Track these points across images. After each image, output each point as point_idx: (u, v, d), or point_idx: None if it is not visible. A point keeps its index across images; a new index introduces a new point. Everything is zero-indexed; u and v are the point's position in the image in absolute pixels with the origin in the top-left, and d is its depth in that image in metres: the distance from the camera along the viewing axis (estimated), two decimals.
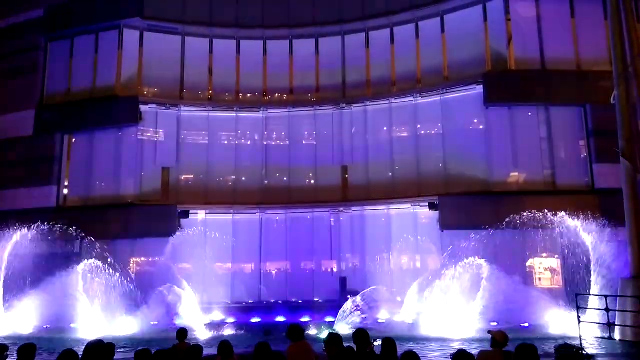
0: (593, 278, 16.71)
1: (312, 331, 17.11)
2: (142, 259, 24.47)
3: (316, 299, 23.69)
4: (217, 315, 21.83)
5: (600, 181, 20.60)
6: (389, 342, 6.24)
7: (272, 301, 23.71)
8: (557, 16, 22.59)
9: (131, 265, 23.69)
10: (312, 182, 26.10)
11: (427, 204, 22.94)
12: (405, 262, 24.02)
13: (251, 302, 23.91)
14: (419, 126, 24.78)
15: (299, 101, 26.63)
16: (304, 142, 26.56)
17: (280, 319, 21.01)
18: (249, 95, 27.14)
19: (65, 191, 25.23)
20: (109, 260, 20.24)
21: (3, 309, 20.29)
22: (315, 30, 26.66)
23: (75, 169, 25.49)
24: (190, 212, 24.51)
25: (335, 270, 24.81)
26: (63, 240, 22.09)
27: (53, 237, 21.47)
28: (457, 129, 23.70)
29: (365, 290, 20.55)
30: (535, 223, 18.40)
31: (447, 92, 23.91)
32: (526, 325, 17.12)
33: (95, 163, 24.99)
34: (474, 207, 21.23)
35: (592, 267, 16.90)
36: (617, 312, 14.20)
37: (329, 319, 19.56)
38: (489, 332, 7.12)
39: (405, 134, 25.36)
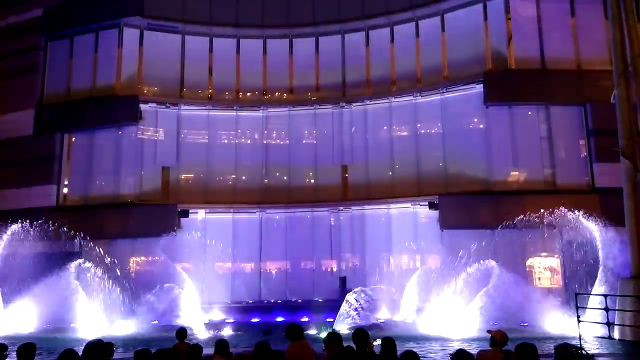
0: (599, 276, 16.62)
1: (311, 331, 17.09)
2: (142, 258, 24.45)
3: (316, 299, 23.67)
4: (217, 315, 21.83)
5: (600, 180, 20.57)
6: (389, 342, 6.24)
7: (272, 301, 23.75)
8: (558, 15, 22.58)
9: (131, 264, 23.71)
10: (312, 181, 26.08)
11: (427, 203, 22.89)
12: (405, 261, 24.01)
13: (251, 301, 23.92)
14: (418, 125, 24.76)
15: (299, 100, 26.63)
16: (303, 141, 26.56)
17: (280, 318, 21.02)
18: (248, 94, 27.14)
19: (65, 190, 25.23)
20: (109, 259, 20.25)
21: (2, 308, 20.29)
22: (315, 30, 26.64)
23: (75, 168, 25.48)
24: (190, 211, 24.49)
25: (335, 269, 24.80)
26: (63, 240, 22.08)
27: (53, 236, 21.49)
28: (457, 128, 23.69)
29: (365, 288, 20.47)
30: (535, 222, 18.38)
31: (447, 91, 23.89)
32: (526, 324, 17.13)
33: (95, 162, 24.98)
34: (474, 207, 21.26)
35: (600, 264, 16.77)
36: (616, 312, 14.20)
37: (328, 318, 19.52)
38: (489, 331, 7.09)
39: (405, 133, 25.34)
